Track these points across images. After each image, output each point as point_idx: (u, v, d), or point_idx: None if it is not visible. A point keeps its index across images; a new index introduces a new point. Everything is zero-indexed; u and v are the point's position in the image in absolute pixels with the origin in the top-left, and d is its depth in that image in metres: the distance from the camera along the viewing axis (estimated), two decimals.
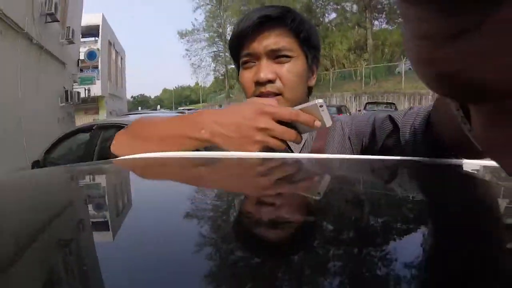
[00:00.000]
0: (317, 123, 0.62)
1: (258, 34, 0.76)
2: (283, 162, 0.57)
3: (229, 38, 0.84)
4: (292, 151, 0.79)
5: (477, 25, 0.13)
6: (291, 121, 0.62)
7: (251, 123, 0.61)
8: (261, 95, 0.76)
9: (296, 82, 0.77)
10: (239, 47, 0.80)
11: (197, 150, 0.66)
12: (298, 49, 0.78)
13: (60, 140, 4.44)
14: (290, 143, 0.75)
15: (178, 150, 0.63)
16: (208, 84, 49.86)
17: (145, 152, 0.62)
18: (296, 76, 0.77)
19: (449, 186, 0.42)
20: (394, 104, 14.90)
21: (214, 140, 0.62)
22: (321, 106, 0.62)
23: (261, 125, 0.60)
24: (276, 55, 0.77)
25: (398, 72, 19.46)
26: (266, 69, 0.75)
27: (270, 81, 0.75)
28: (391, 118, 0.68)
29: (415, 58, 0.17)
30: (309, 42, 0.79)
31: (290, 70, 0.77)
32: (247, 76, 0.79)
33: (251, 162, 0.58)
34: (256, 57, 0.78)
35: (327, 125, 0.63)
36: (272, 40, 0.76)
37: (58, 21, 8.98)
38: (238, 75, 0.84)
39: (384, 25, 26.86)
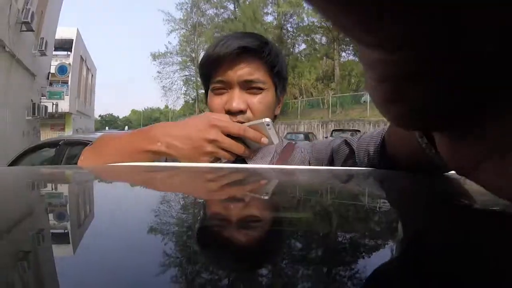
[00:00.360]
0: (264, 140, 0.70)
1: (234, 63, 0.76)
2: (238, 170, 0.61)
3: (201, 61, 0.83)
4: None
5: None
6: (239, 135, 0.69)
7: (201, 135, 0.67)
8: None
9: (265, 112, 0.78)
10: (211, 71, 0.80)
11: (157, 161, 0.70)
12: (270, 80, 0.80)
13: (24, 154, 4.18)
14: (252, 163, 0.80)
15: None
16: (178, 108, 49.69)
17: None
18: (266, 107, 0.79)
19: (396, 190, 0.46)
20: (359, 131, 15.49)
21: (169, 152, 0.67)
22: (267, 124, 0.69)
23: (210, 137, 0.67)
24: (248, 86, 0.78)
25: (364, 101, 20.43)
26: (238, 99, 0.76)
27: (241, 111, 0.76)
28: (346, 142, 0.72)
29: (381, 98, 0.17)
30: (280, 74, 0.82)
31: (261, 102, 0.78)
32: (218, 102, 0.79)
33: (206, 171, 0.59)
34: (228, 85, 0.78)
35: (274, 143, 0.71)
36: (247, 70, 0.77)
37: (33, 30, 8.92)
38: (206, 97, 0.85)
39: (351, 57, 28.24)
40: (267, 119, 0.69)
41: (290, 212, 0.32)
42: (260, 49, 0.77)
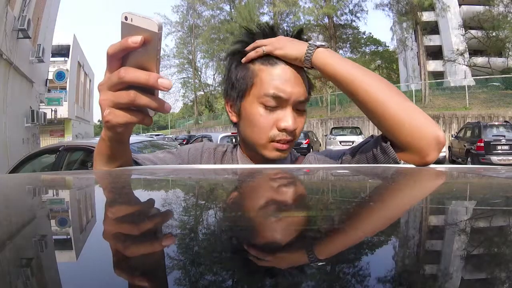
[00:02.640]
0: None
1: (294, 80, 0.77)
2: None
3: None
4: None
5: None
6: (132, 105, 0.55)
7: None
8: (281, 140, 0.78)
9: (302, 130, 0.82)
10: (263, 80, 0.77)
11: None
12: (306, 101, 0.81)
13: (25, 161, 4.17)
14: None
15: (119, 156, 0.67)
16: (177, 110, 49.73)
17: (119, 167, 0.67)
18: (302, 126, 0.82)
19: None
20: (359, 128, 15.54)
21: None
22: (126, 19, 0.51)
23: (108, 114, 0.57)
24: (298, 108, 0.79)
25: None
26: (293, 120, 0.77)
27: (294, 130, 0.78)
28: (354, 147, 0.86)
29: None
30: (310, 91, 0.84)
31: (303, 121, 0.81)
32: (269, 117, 0.77)
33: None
34: (283, 103, 0.77)
35: (157, 29, 0.50)
36: (302, 91, 0.78)
37: (30, 37, 8.92)
38: (239, 99, 0.81)
39: (348, 54, 28.26)
40: (124, 14, 0.51)
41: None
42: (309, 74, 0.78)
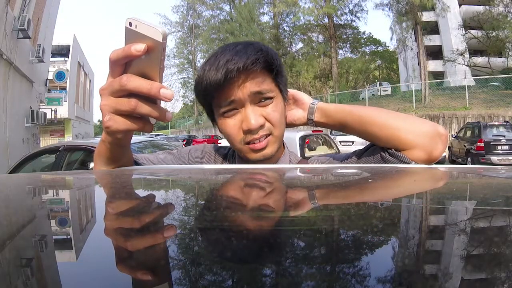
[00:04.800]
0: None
1: (238, 81, 0.74)
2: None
3: (197, 85, 0.79)
4: None
5: None
6: (132, 112, 0.55)
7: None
8: (252, 140, 0.77)
9: (281, 119, 0.80)
10: (213, 95, 0.77)
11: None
12: (275, 87, 0.79)
13: (25, 161, 4.18)
14: None
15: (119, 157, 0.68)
16: (177, 110, 49.73)
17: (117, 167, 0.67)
18: (280, 114, 0.80)
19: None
20: None
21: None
22: (130, 24, 0.50)
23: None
24: (259, 98, 0.77)
25: (362, 98, 20.42)
26: (254, 115, 0.75)
27: (261, 126, 0.76)
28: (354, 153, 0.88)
29: None
30: (281, 76, 0.80)
31: (274, 110, 0.78)
32: (233, 124, 0.78)
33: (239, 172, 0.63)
34: (240, 103, 0.76)
35: (161, 38, 0.49)
36: (254, 83, 0.75)
37: (30, 37, 8.92)
38: (213, 122, 0.85)
39: (348, 54, 28.29)
40: (128, 19, 0.51)
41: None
42: (256, 61, 0.73)
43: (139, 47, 0.49)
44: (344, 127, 0.83)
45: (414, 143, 0.75)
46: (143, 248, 0.23)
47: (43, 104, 13.39)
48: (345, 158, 0.89)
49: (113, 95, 0.54)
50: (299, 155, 1.07)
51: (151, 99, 0.54)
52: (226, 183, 0.57)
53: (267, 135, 0.78)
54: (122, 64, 0.54)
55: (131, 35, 0.50)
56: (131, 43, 0.50)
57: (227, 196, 0.42)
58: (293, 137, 4.86)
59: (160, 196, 0.43)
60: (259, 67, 0.74)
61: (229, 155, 0.91)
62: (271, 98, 0.78)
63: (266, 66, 0.76)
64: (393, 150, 0.77)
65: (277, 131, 0.79)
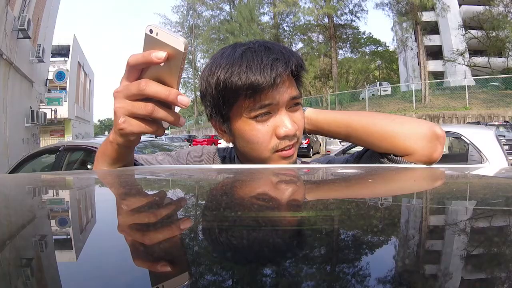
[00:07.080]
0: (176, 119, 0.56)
1: (283, 85, 0.69)
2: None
3: (218, 87, 0.69)
4: None
5: None
6: (149, 116, 0.56)
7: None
8: (286, 147, 0.73)
9: (303, 126, 0.77)
10: (240, 96, 0.69)
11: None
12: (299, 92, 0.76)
13: (25, 161, 4.18)
14: None
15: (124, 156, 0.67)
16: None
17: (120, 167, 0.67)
18: (303, 121, 0.77)
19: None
20: None
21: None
22: (150, 31, 0.50)
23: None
24: (291, 104, 0.73)
25: (362, 98, 20.43)
26: (289, 121, 0.71)
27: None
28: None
29: None
30: (301, 80, 0.77)
31: (301, 117, 0.75)
32: (266, 131, 0.71)
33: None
34: (274, 108, 0.71)
35: (183, 48, 0.50)
36: (293, 89, 0.72)
37: (30, 37, 8.92)
38: (225, 124, 0.75)
39: (348, 54, 28.29)
40: (148, 25, 0.51)
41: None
42: (299, 65, 0.70)
43: (159, 55, 0.50)
44: (338, 137, 0.81)
45: (413, 149, 0.74)
46: (144, 248, 0.23)
47: (43, 104, 13.39)
48: (343, 161, 0.89)
49: (128, 98, 0.55)
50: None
51: (166, 104, 0.55)
52: (226, 183, 0.58)
53: (294, 144, 0.75)
54: (139, 69, 0.54)
55: (151, 42, 0.51)
56: (151, 50, 0.50)
57: (228, 196, 0.42)
58: None
59: (160, 196, 0.43)
60: (300, 70, 0.72)
61: (227, 157, 0.90)
62: (299, 103, 0.75)
63: (292, 69, 0.71)
64: (392, 155, 0.77)
65: (300, 139, 0.77)
